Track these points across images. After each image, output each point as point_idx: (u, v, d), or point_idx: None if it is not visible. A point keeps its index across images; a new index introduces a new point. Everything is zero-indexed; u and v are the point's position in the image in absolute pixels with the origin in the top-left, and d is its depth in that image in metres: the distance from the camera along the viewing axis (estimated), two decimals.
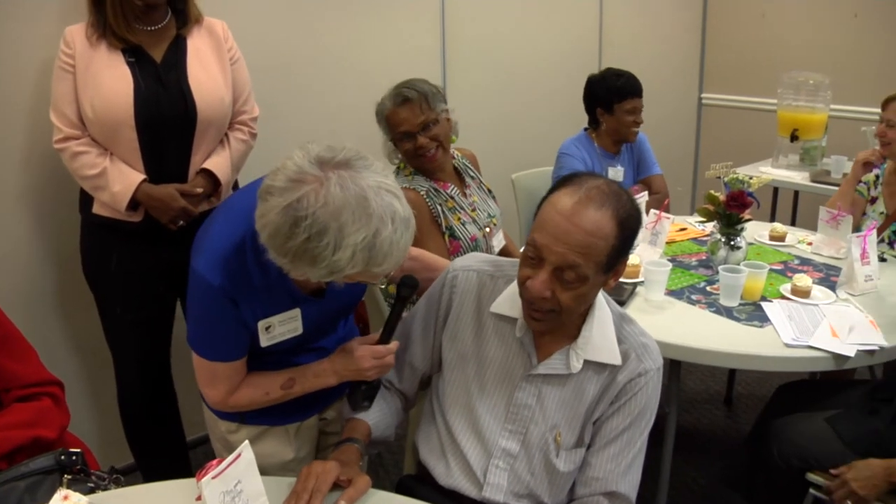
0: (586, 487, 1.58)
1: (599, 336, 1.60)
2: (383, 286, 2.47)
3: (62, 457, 1.64)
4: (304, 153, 1.35)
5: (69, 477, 1.62)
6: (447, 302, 1.73)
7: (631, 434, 1.58)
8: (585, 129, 3.45)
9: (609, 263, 1.48)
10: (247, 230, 1.45)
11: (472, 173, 2.74)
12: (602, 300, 1.63)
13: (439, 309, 1.74)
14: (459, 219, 2.48)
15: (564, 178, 1.53)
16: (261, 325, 1.57)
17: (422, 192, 2.50)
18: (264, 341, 1.59)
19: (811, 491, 2.11)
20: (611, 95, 3.29)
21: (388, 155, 2.66)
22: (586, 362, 1.59)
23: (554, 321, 1.54)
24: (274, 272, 1.47)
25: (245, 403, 1.66)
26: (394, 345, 1.65)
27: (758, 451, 2.24)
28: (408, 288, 1.65)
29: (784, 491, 2.15)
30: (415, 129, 2.48)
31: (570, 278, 1.45)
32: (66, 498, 1.42)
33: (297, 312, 1.62)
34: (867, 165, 3.03)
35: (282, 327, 1.61)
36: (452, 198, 2.56)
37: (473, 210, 2.56)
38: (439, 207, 2.49)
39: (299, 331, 1.64)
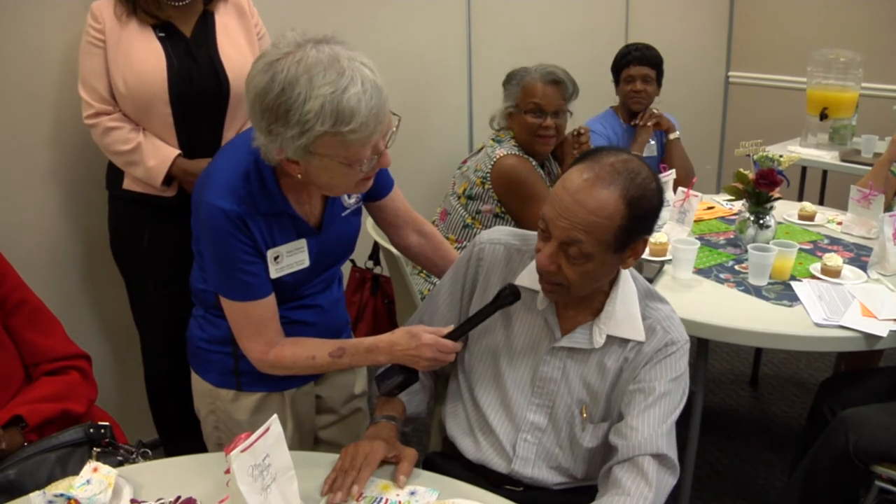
0: (632, 451, 1.51)
1: (623, 311, 1.59)
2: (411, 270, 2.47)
3: (91, 430, 1.67)
4: (294, 33, 1.45)
5: (98, 450, 1.65)
6: (473, 274, 1.73)
7: (670, 400, 1.55)
8: (612, 107, 3.44)
9: (619, 243, 1.47)
10: (249, 160, 1.54)
11: (556, 173, 2.94)
12: (628, 276, 1.62)
13: (465, 282, 1.74)
14: None
15: (585, 153, 1.53)
16: (270, 254, 1.61)
17: (532, 162, 2.74)
18: (273, 272, 1.62)
19: (877, 483, 2.07)
20: (617, 65, 3.39)
21: (494, 117, 2.87)
22: (609, 338, 1.59)
23: (563, 294, 1.55)
24: (278, 199, 1.58)
25: (288, 363, 1.66)
26: (458, 345, 1.63)
27: (825, 441, 2.15)
28: (509, 297, 1.60)
29: (847, 483, 2.10)
30: (550, 109, 2.71)
31: (575, 254, 1.46)
32: (95, 470, 1.43)
33: (302, 243, 1.66)
34: None
35: (290, 258, 1.65)
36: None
37: None
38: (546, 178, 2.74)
39: (306, 263, 1.68)
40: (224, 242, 1.55)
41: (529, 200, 2.69)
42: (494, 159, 2.72)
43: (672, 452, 1.52)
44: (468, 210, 2.80)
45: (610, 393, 1.60)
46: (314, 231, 1.68)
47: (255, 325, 1.63)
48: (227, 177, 1.54)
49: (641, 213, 1.47)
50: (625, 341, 1.59)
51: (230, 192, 1.52)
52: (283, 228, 1.62)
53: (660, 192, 1.51)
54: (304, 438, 1.93)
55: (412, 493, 1.46)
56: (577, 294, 1.55)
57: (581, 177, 1.45)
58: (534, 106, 2.72)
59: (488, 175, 2.72)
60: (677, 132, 3.36)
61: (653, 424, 1.51)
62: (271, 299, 1.64)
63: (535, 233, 1.57)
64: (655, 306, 1.62)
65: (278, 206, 1.59)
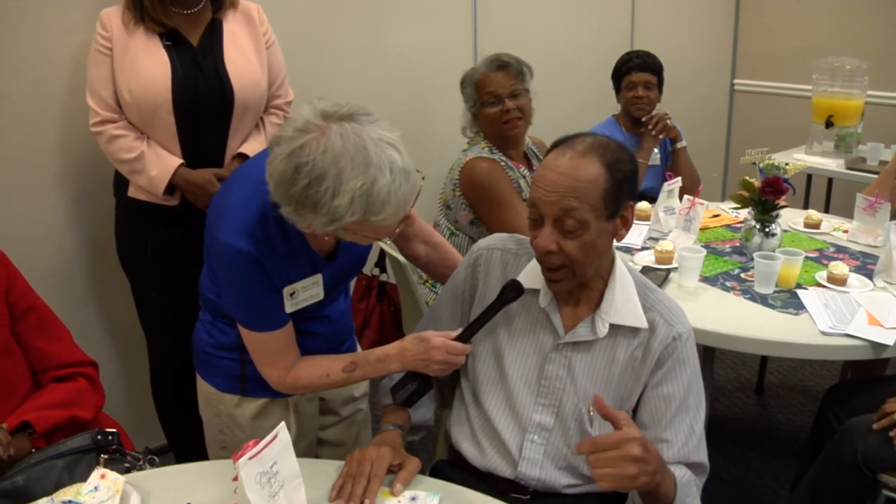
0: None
1: (623, 300, 1.60)
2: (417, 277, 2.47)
3: (99, 436, 1.67)
4: (311, 107, 1.42)
5: (106, 456, 1.65)
6: (472, 282, 1.74)
7: (690, 402, 1.59)
8: (613, 116, 3.44)
9: (609, 208, 1.49)
10: (265, 197, 1.47)
11: (540, 160, 2.84)
12: (623, 267, 1.64)
13: (464, 290, 1.75)
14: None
15: (557, 140, 1.57)
16: (286, 291, 1.60)
17: (501, 164, 2.66)
18: (289, 307, 1.62)
19: (884, 492, 2.06)
20: (618, 72, 3.39)
21: (465, 126, 2.82)
22: (613, 327, 1.59)
23: (568, 278, 1.55)
24: (296, 239, 1.56)
25: (304, 384, 1.68)
26: (468, 347, 1.63)
27: (831, 450, 2.15)
28: (513, 291, 1.60)
29: (854, 492, 2.10)
30: (505, 93, 2.67)
31: (571, 226, 1.48)
32: (103, 477, 1.44)
33: (318, 278, 1.66)
34: None
35: (305, 293, 1.65)
36: (524, 177, 2.70)
37: None
38: (520, 181, 2.66)
39: (320, 296, 1.68)
40: (240, 279, 1.56)
41: (497, 204, 2.64)
42: (462, 164, 2.70)
43: (704, 458, 1.59)
44: (449, 220, 2.80)
45: (619, 388, 1.61)
46: (329, 262, 1.68)
47: (272, 353, 1.65)
48: (243, 214, 1.53)
49: (622, 176, 1.50)
50: (630, 333, 1.60)
51: (246, 231, 1.51)
52: (299, 266, 1.62)
53: (632, 158, 1.56)
54: (308, 443, 1.93)
55: (413, 500, 1.46)
56: (581, 274, 1.54)
57: (559, 156, 1.50)
58: (489, 96, 2.70)
59: (458, 181, 2.71)
60: (684, 141, 3.36)
61: (683, 436, 1.57)
62: (288, 328, 1.65)
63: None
64: (655, 297, 1.64)
65: (295, 246, 1.59)
